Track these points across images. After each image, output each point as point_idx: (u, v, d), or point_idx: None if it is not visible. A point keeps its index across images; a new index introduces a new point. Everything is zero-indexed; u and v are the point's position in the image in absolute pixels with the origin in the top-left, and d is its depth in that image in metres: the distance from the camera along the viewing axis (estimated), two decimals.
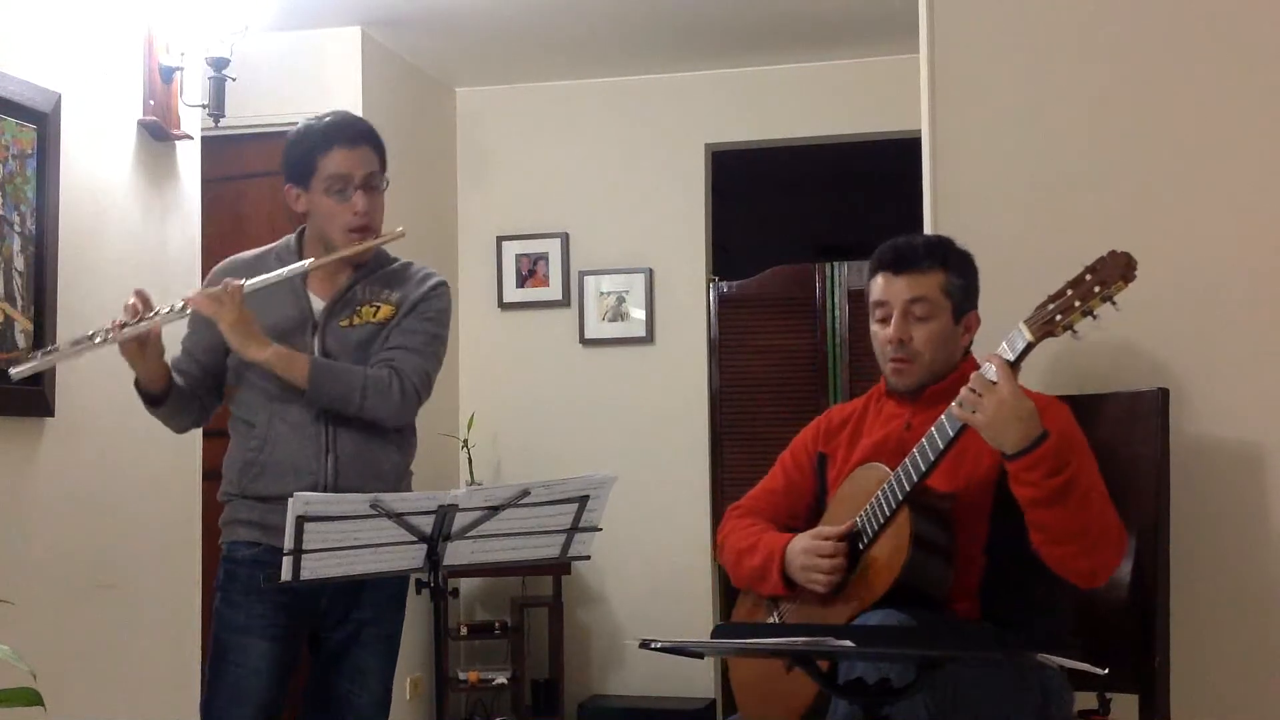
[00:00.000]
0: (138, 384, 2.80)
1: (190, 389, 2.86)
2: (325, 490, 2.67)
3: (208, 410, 2.94)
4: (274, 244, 2.93)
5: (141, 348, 2.71)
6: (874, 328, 2.64)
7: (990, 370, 2.35)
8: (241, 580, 2.76)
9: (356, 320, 2.80)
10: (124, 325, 2.68)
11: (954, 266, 2.60)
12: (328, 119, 2.84)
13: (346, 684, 2.79)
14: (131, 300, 2.71)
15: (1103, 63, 3.05)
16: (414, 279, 2.87)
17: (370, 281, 2.84)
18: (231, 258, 2.94)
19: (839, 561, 2.50)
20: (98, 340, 2.71)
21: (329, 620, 2.79)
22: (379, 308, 2.81)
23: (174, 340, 2.92)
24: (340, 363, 2.75)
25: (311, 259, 2.79)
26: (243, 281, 2.71)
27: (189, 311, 2.72)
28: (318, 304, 2.81)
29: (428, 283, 2.87)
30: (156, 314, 2.70)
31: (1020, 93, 3.09)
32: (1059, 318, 2.31)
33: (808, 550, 2.55)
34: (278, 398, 2.75)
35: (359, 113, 5.00)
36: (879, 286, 2.62)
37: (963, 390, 2.36)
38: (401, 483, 2.83)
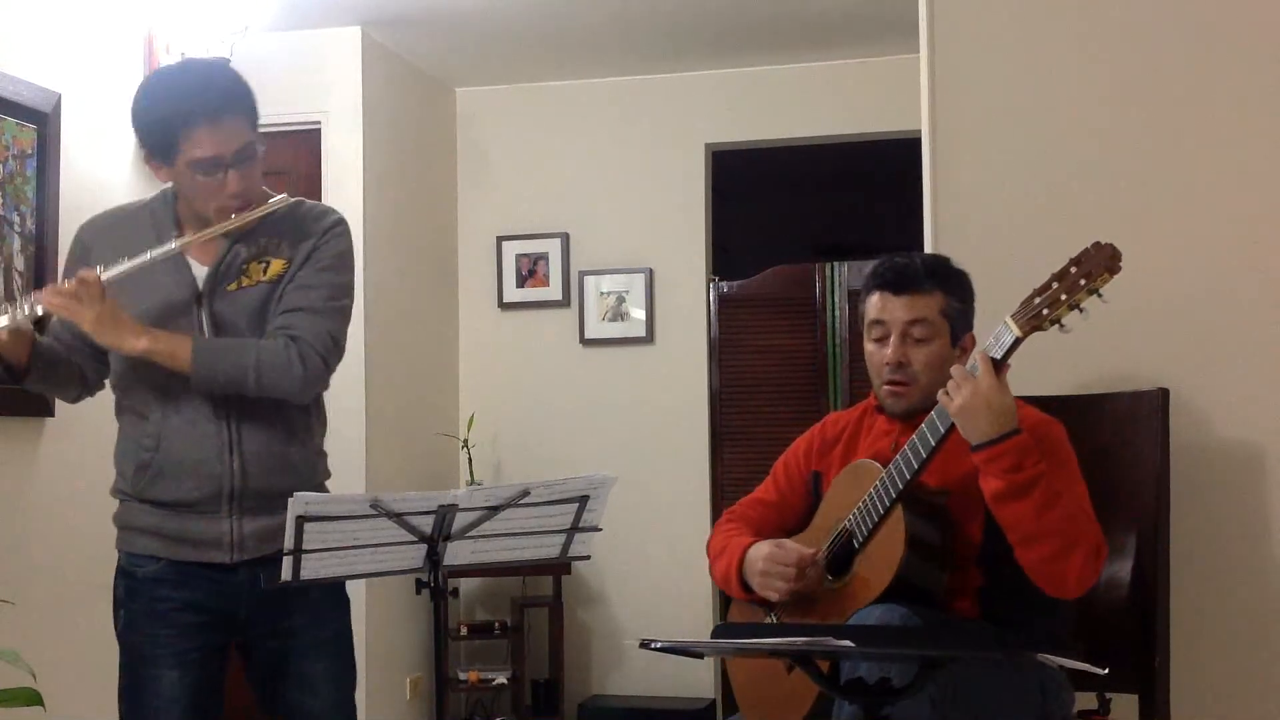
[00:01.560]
0: None
1: (66, 357, 2.54)
2: (233, 491, 2.47)
3: (91, 381, 2.61)
4: (149, 198, 2.61)
5: None
6: (869, 347, 2.61)
7: (973, 365, 2.36)
8: (143, 601, 2.53)
9: (245, 282, 2.49)
10: None
11: (953, 289, 2.58)
12: (182, 82, 2.46)
13: (295, 693, 2.56)
14: None
15: (1103, 62, 3.05)
16: (306, 222, 2.54)
17: (256, 235, 2.50)
18: (103, 215, 2.63)
19: (800, 577, 2.51)
20: None
21: (255, 631, 2.55)
22: (268, 263, 2.50)
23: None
24: (227, 339, 2.46)
25: (179, 241, 2.45)
26: (99, 272, 2.39)
27: (39, 312, 2.39)
28: (200, 271, 2.49)
29: (322, 223, 2.54)
30: (4, 317, 2.38)
31: (1020, 92, 3.09)
32: (1045, 312, 2.31)
33: (770, 558, 2.55)
34: (170, 387, 2.46)
35: (359, 113, 5.05)
36: (877, 306, 2.59)
37: (951, 380, 2.37)
38: (316, 472, 2.59)
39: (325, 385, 2.56)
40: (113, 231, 2.55)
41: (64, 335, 2.56)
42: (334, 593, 2.60)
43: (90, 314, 2.37)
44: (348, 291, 2.57)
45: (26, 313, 2.40)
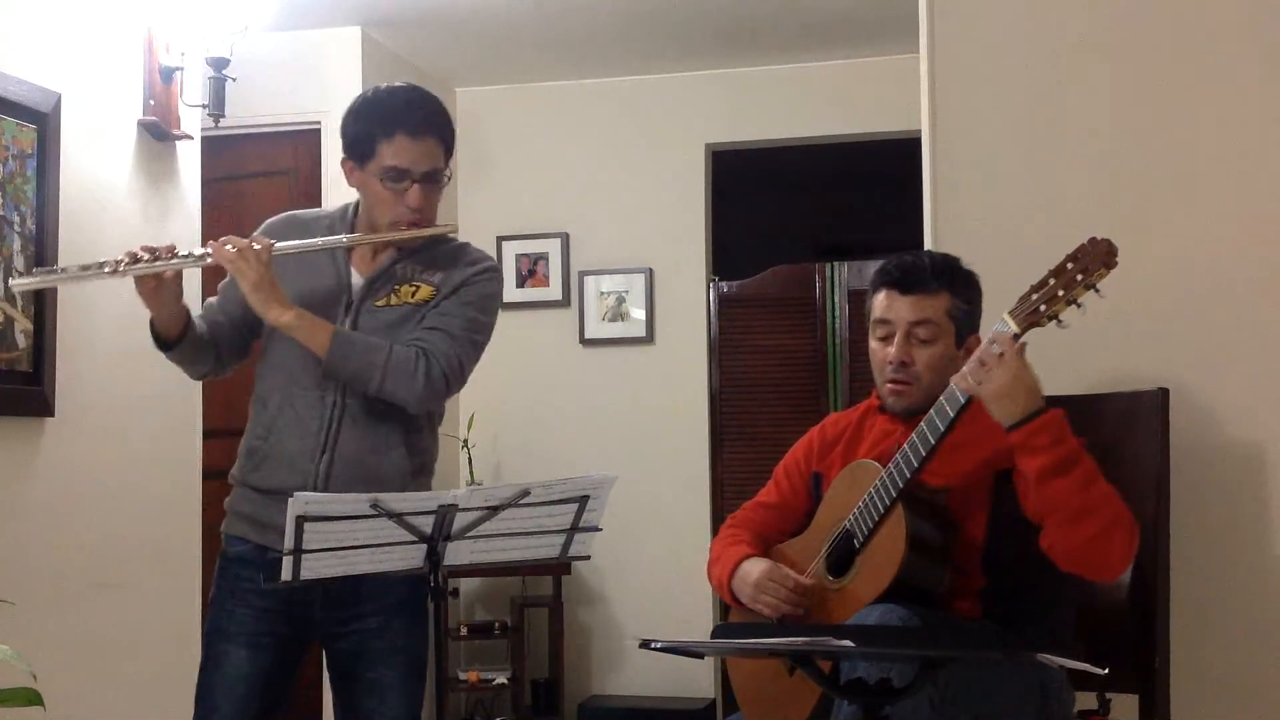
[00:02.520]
0: (152, 324, 2.65)
1: (211, 338, 2.71)
2: (314, 490, 2.55)
3: (225, 365, 2.77)
4: (333, 209, 2.79)
5: (157, 288, 2.57)
6: (873, 345, 2.60)
7: (994, 346, 2.33)
8: (229, 580, 2.66)
9: (394, 300, 2.63)
10: (136, 261, 2.54)
11: (960, 290, 2.56)
12: (399, 95, 2.66)
13: (367, 700, 2.62)
14: (143, 247, 2.58)
15: (1103, 62, 3.05)
16: (461, 261, 2.68)
17: (414, 261, 2.66)
18: (287, 216, 2.81)
19: (793, 598, 2.51)
20: (106, 270, 2.57)
21: (329, 630, 2.65)
22: (418, 288, 2.64)
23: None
24: (366, 336, 2.59)
25: (349, 236, 2.64)
26: (273, 241, 2.57)
27: (208, 261, 2.57)
28: (357, 280, 2.66)
29: (476, 265, 2.68)
30: (174, 257, 2.56)
31: (1020, 92, 3.09)
32: (1043, 308, 2.30)
33: (767, 575, 2.55)
34: (295, 380, 2.62)
35: None
36: (883, 304, 2.57)
37: (969, 363, 2.34)
38: (407, 489, 2.61)
39: (440, 404, 2.69)
40: (296, 229, 2.70)
41: (216, 314, 2.74)
42: (408, 603, 2.65)
43: (253, 274, 2.52)
44: (485, 330, 2.69)
45: (197, 257, 2.57)
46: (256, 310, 2.56)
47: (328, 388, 2.60)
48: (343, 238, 2.63)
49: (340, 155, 2.68)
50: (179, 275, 2.60)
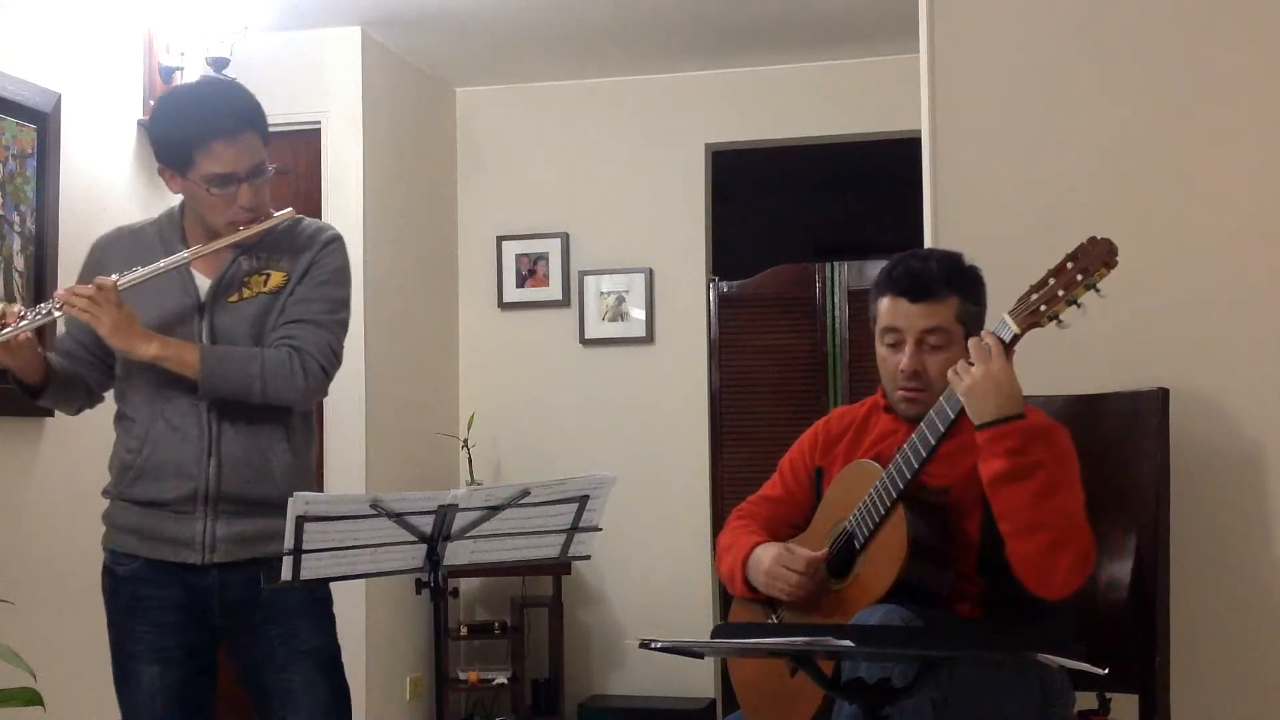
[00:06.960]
0: (14, 376, 2.57)
1: (73, 370, 2.64)
2: (207, 494, 2.53)
3: (95, 392, 2.71)
4: (155, 217, 2.72)
5: (9, 351, 2.49)
6: (882, 351, 2.57)
7: (986, 345, 2.34)
8: (123, 599, 2.63)
9: (247, 294, 2.58)
10: None
11: (969, 292, 2.54)
12: (204, 96, 2.60)
13: (279, 709, 2.58)
14: None
15: (1102, 62, 3.05)
16: (303, 237, 2.64)
17: (256, 250, 2.61)
18: (114, 231, 2.74)
19: (806, 582, 2.51)
20: None
21: (233, 639, 2.62)
22: (269, 276, 2.60)
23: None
24: (234, 347, 2.55)
25: (190, 250, 2.57)
26: (116, 279, 2.49)
27: (57, 316, 2.50)
28: (203, 283, 2.60)
29: (319, 239, 2.64)
30: (24, 319, 2.48)
31: (1020, 93, 3.09)
32: (1044, 307, 2.30)
33: (778, 559, 2.55)
34: (161, 393, 2.56)
35: (359, 113, 5.05)
36: (892, 311, 2.54)
37: (962, 360, 2.36)
38: (298, 483, 2.55)
39: (324, 394, 2.66)
40: (124, 248, 2.65)
41: (72, 347, 2.67)
42: (313, 607, 2.62)
43: (108, 319, 2.47)
44: (345, 305, 2.67)
45: (45, 314, 2.49)
46: (122, 352, 2.53)
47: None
48: (184, 255, 2.56)
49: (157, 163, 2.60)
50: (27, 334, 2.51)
